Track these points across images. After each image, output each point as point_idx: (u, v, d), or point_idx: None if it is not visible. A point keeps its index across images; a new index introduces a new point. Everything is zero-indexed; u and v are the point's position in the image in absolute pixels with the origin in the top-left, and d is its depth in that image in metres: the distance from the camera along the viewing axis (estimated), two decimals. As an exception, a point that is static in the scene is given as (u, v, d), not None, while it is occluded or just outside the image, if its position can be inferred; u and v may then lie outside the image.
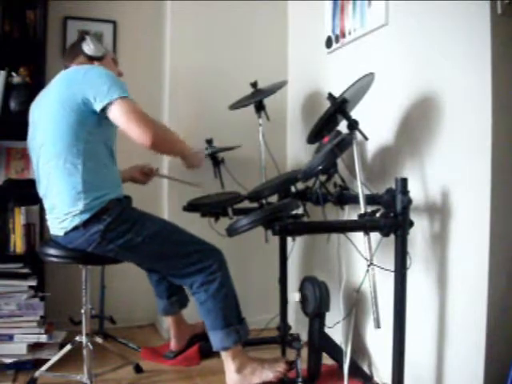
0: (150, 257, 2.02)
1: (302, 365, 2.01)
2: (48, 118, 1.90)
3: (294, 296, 2.15)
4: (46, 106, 1.93)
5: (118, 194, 1.95)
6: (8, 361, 2.19)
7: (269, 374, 2.01)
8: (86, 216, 1.85)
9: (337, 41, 2.41)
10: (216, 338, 2.01)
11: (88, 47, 2.06)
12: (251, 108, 2.48)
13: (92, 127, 1.87)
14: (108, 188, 1.91)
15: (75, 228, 1.87)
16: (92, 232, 1.87)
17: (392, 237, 1.73)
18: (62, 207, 1.88)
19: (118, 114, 1.82)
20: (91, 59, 2.06)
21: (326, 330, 2.11)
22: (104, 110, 1.83)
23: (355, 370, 2.06)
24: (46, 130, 1.91)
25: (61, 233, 1.91)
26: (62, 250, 1.95)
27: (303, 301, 2.12)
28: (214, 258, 2.02)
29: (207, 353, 2.39)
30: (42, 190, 1.99)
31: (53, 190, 1.91)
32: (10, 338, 2.22)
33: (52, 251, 1.97)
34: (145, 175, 2.42)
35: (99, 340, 2.19)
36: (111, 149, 2.00)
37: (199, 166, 2.21)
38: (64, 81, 1.91)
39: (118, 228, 1.89)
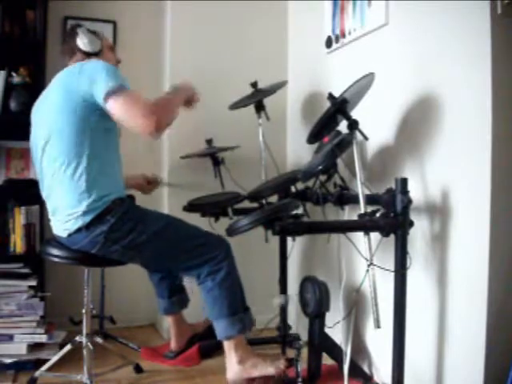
0: (155, 254, 2.00)
1: (302, 365, 2.01)
2: (50, 118, 1.87)
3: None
4: (47, 107, 1.91)
5: (121, 194, 1.94)
6: (8, 361, 2.19)
7: (270, 369, 2.01)
8: (88, 218, 1.83)
9: (337, 41, 2.41)
10: (221, 327, 2.00)
11: (82, 43, 1.99)
12: (251, 108, 2.48)
13: (96, 125, 1.84)
14: (111, 188, 1.89)
15: (78, 230, 1.85)
16: (96, 234, 1.85)
17: (392, 237, 1.74)
18: (66, 208, 1.86)
19: (115, 106, 1.75)
20: (88, 55, 1.99)
21: (326, 330, 2.11)
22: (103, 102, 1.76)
23: (355, 370, 2.06)
24: (49, 131, 1.87)
25: (64, 234, 1.90)
26: (66, 250, 1.94)
27: (302, 302, 2.12)
28: (220, 248, 2.02)
29: (207, 353, 2.40)
30: (44, 191, 1.96)
31: (56, 191, 1.89)
32: (10, 337, 2.22)
33: (56, 251, 1.95)
34: (149, 184, 2.41)
35: (99, 340, 2.19)
36: (116, 147, 1.98)
37: (194, 99, 2.12)
38: (62, 81, 1.89)
39: (122, 228, 1.87)
